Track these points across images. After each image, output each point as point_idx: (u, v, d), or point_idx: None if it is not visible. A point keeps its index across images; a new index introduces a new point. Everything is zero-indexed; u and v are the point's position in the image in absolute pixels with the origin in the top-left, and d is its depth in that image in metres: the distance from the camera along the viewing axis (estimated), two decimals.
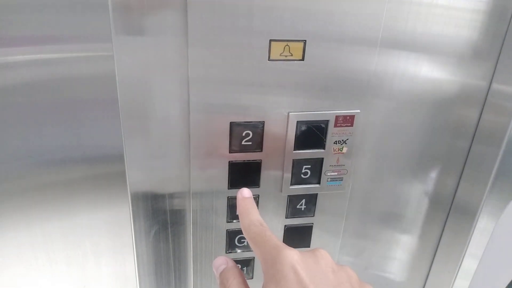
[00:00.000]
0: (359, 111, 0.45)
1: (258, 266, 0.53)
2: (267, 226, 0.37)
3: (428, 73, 0.45)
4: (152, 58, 0.39)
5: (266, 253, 0.34)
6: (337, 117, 0.44)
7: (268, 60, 0.40)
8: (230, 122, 0.43)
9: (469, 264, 0.56)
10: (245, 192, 0.41)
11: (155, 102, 0.41)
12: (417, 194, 0.54)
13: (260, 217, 0.39)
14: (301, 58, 0.41)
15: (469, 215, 0.53)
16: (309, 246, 0.53)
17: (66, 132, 0.41)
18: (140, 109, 0.41)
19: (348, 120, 0.45)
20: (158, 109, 0.41)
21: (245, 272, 0.53)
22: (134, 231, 0.47)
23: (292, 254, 0.32)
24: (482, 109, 0.49)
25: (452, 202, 0.55)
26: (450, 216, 0.56)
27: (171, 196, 0.46)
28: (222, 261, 0.39)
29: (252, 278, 0.53)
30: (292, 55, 0.40)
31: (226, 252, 0.51)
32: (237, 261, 0.51)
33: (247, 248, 0.51)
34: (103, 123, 0.41)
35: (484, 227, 0.53)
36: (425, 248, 0.58)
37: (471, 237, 0.53)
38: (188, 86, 0.40)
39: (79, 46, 0.37)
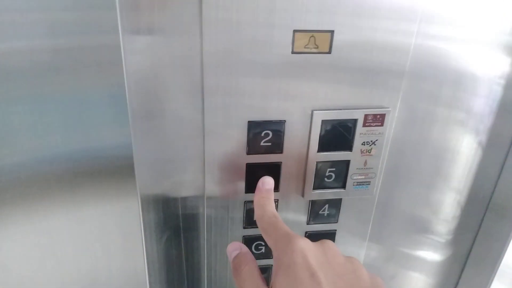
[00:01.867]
0: (390, 109, 0.40)
1: None
2: (281, 219, 0.37)
3: (470, 70, 0.41)
4: (163, 55, 0.36)
5: (277, 240, 0.35)
6: (366, 115, 0.40)
7: (292, 53, 0.36)
8: (248, 121, 0.39)
9: (505, 273, 0.52)
10: (268, 182, 0.41)
11: (166, 101, 0.38)
12: (449, 196, 0.49)
13: (275, 209, 0.39)
14: (327, 50, 0.37)
15: (506, 220, 0.49)
16: None
17: (73, 130, 0.38)
18: (150, 109, 0.38)
19: (378, 119, 0.40)
20: (169, 108, 0.38)
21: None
22: (144, 237, 0.44)
23: (302, 242, 0.33)
24: None
25: (488, 205, 0.51)
26: (484, 221, 0.52)
27: (184, 200, 0.43)
28: (236, 247, 0.39)
29: (268, 286, 0.50)
30: (317, 48, 0.36)
31: None
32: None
33: (265, 255, 0.48)
34: (111, 122, 0.38)
35: None
36: (456, 256, 0.54)
37: (509, 244, 0.49)
38: (202, 83, 0.37)
39: (86, 43, 0.34)
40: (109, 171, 0.40)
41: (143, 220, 0.43)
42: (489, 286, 0.52)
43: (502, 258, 0.50)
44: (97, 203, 0.42)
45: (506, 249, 0.50)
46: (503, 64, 0.42)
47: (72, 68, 0.35)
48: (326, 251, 0.34)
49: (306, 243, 0.33)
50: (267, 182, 0.41)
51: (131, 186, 0.41)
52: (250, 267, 0.37)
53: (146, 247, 0.44)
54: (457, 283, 0.56)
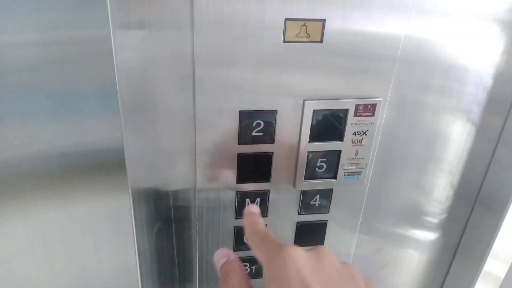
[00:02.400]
0: (381, 99, 0.40)
1: None
2: (272, 235, 0.36)
3: (462, 59, 0.41)
4: (153, 48, 0.35)
5: (268, 252, 0.33)
6: (357, 105, 0.40)
7: (283, 41, 0.36)
8: (240, 111, 0.39)
9: (493, 265, 0.52)
10: (253, 208, 0.40)
11: (157, 94, 0.37)
12: (439, 187, 0.50)
13: (266, 229, 0.37)
14: (319, 40, 0.37)
15: (495, 211, 0.49)
16: (322, 244, 0.49)
17: (64, 125, 0.38)
18: (141, 103, 0.37)
19: (369, 109, 0.40)
20: (160, 101, 0.38)
21: (253, 271, 0.50)
22: (136, 229, 0.43)
23: (295, 252, 0.31)
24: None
25: (478, 196, 0.51)
26: (474, 212, 0.52)
27: (175, 191, 0.43)
28: (224, 254, 0.37)
29: (261, 277, 0.50)
30: (309, 36, 0.36)
31: (234, 251, 0.47)
32: (246, 260, 0.49)
33: None
34: (102, 116, 0.38)
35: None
36: (445, 246, 0.55)
37: (497, 235, 0.50)
38: (193, 73, 0.36)
39: (77, 38, 0.34)
40: (100, 165, 0.40)
41: (134, 213, 0.43)
42: (478, 275, 0.53)
43: (491, 249, 0.51)
44: (88, 196, 0.42)
45: (494, 240, 0.50)
46: (493, 54, 0.42)
47: (63, 63, 0.35)
48: (321, 259, 0.32)
49: (298, 253, 0.31)
50: (253, 207, 0.40)
51: (122, 180, 0.41)
52: (238, 276, 0.35)
53: (137, 239, 0.44)
54: (447, 273, 0.57)
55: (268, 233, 0.36)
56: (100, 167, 0.40)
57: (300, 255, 0.31)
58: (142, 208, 0.43)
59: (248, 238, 0.37)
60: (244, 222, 0.39)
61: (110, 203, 0.43)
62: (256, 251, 0.35)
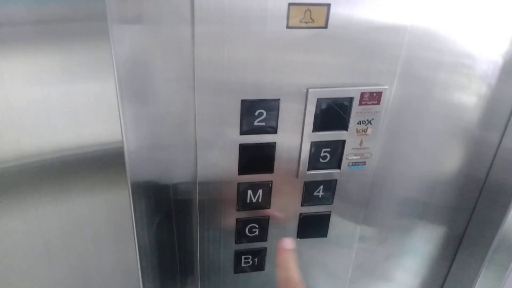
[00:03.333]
0: (387, 87, 0.39)
1: (269, 257, 0.49)
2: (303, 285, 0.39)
3: (471, 45, 0.40)
4: (153, 37, 0.34)
5: None
6: (362, 93, 0.39)
7: (286, 27, 0.35)
8: (241, 100, 0.38)
9: (498, 258, 0.51)
10: (287, 244, 0.42)
11: (156, 85, 0.36)
12: (444, 179, 0.49)
13: (298, 274, 0.40)
14: (323, 25, 0.35)
15: (500, 202, 0.49)
16: (325, 236, 0.48)
17: (61, 119, 0.37)
18: (140, 95, 0.36)
19: (375, 97, 0.39)
20: (159, 93, 0.36)
21: (256, 264, 0.49)
22: (135, 222, 0.42)
23: None
24: None
25: (483, 186, 0.50)
26: (479, 202, 0.51)
27: (176, 184, 0.42)
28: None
29: (264, 270, 0.49)
30: (313, 22, 0.35)
31: (235, 243, 0.47)
32: (247, 252, 0.48)
33: (258, 238, 0.47)
34: (100, 109, 0.37)
35: None
36: (450, 238, 0.54)
37: (503, 227, 0.49)
38: (193, 61, 0.35)
39: (74, 30, 0.33)
40: (99, 159, 0.39)
41: (134, 207, 0.42)
42: (483, 267, 0.52)
43: (495, 241, 0.50)
44: (87, 191, 0.41)
45: (499, 232, 0.49)
46: (501, 41, 0.41)
47: (60, 56, 0.34)
48: None
49: None
50: (287, 242, 0.42)
51: (121, 174, 0.40)
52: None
53: (137, 233, 0.43)
54: (451, 264, 0.56)
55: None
56: (99, 161, 0.40)
57: None
58: (141, 202, 0.42)
59: (280, 282, 0.40)
60: (277, 258, 0.42)
61: (109, 198, 0.42)
62: None
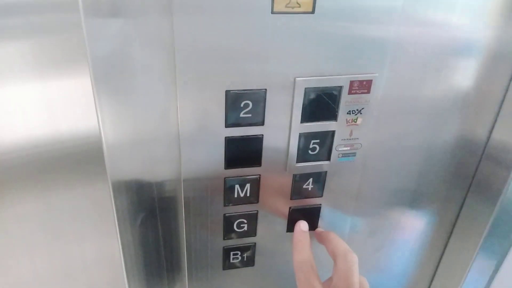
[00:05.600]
0: (377, 75, 0.38)
1: (259, 252, 0.47)
2: (316, 270, 0.41)
3: (462, 30, 0.39)
4: (129, 28, 0.32)
5: None
6: (351, 82, 0.37)
7: (271, 13, 0.33)
8: (226, 91, 0.36)
9: (491, 245, 0.51)
10: (304, 225, 0.45)
11: (136, 78, 0.34)
12: (435, 169, 0.48)
13: (312, 257, 0.42)
14: (311, 10, 0.34)
15: (492, 192, 0.48)
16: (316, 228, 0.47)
17: (37, 114, 0.36)
18: (118, 87, 0.34)
19: (365, 86, 0.38)
20: (138, 84, 0.34)
21: (245, 259, 0.48)
22: (118, 219, 0.41)
23: None
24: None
25: (474, 177, 0.49)
26: (470, 193, 0.51)
27: (160, 179, 0.40)
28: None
29: (253, 265, 0.48)
30: (300, 7, 0.33)
31: (223, 239, 0.45)
32: (236, 248, 0.46)
33: (247, 233, 0.45)
34: (76, 105, 0.35)
35: (508, 206, 0.47)
36: (441, 228, 0.53)
37: (494, 215, 0.48)
38: (174, 50, 0.33)
39: (48, 25, 0.32)
40: (78, 154, 0.38)
41: (116, 204, 0.40)
42: (474, 257, 0.52)
43: (487, 229, 0.50)
44: (67, 187, 0.40)
45: (490, 221, 0.49)
46: (490, 27, 0.40)
47: (34, 51, 0.32)
48: None
49: None
50: (304, 225, 0.45)
51: (101, 170, 0.38)
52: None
53: (120, 230, 0.42)
54: (441, 255, 0.56)
55: (312, 273, 0.40)
56: (77, 156, 0.38)
57: None
58: (123, 198, 0.40)
59: (295, 264, 0.41)
60: (294, 240, 0.44)
61: (90, 194, 0.41)
62: (298, 283, 0.41)
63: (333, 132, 0.40)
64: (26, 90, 0.34)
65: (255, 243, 0.47)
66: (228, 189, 0.42)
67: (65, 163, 0.39)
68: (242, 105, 0.37)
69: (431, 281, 0.59)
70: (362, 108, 0.39)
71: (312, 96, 0.38)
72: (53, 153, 0.38)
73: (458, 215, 0.53)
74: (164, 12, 0.32)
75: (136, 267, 0.45)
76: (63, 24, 0.32)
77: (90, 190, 0.41)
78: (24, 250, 0.43)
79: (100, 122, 0.35)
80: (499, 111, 0.45)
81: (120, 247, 0.43)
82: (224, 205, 0.43)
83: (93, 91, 0.34)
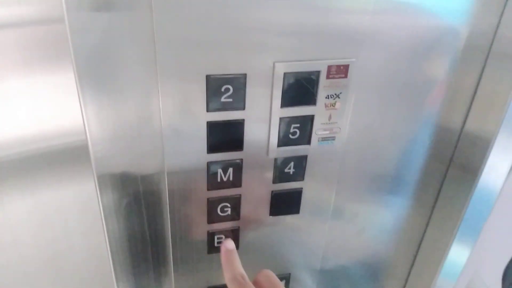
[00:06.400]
0: (354, 59, 0.39)
1: (243, 236, 0.48)
2: (249, 281, 0.41)
3: (440, 13, 0.40)
4: (109, 22, 0.33)
5: None
6: (329, 67, 0.39)
7: None
8: (206, 76, 0.37)
9: (468, 229, 0.53)
10: (229, 244, 0.46)
11: (117, 71, 0.35)
12: (414, 151, 0.49)
13: (242, 269, 0.43)
14: None
15: (469, 174, 0.49)
16: (298, 213, 0.48)
17: (22, 108, 0.36)
18: (101, 82, 0.35)
19: (342, 71, 0.39)
20: (122, 79, 0.35)
21: None
22: (104, 212, 0.41)
23: None
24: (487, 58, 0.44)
25: (451, 160, 0.51)
26: (447, 177, 0.52)
27: (143, 167, 0.41)
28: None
29: (238, 248, 0.49)
30: None
31: (208, 223, 0.46)
32: (221, 232, 0.47)
33: (230, 217, 0.46)
34: (60, 99, 0.36)
35: (486, 189, 0.49)
36: (420, 211, 0.55)
37: (471, 199, 0.50)
38: (154, 36, 0.34)
39: (30, 20, 0.32)
40: (63, 151, 0.38)
41: (101, 197, 0.41)
42: (454, 237, 0.53)
43: (464, 215, 0.51)
44: (54, 183, 0.40)
45: (468, 205, 0.50)
46: (465, 14, 0.41)
47: (17, 47, 0.33)
48: None
49: None
50: (229, 243, 0.46)
51: (86, 163, 0.39)
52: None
53: (106, 222, 0.42)
54: (423, 236, 0.58)
55: (244, 280, 0.41)
56: (63, 153, 0.39)
57: None
58: (109, 192, 0.40)
59: (227, 281, 0.42)
60: (222, 259, 0.44)
61: (76, 190, 0.41)
62: None
63: (312, 116, 0.41)
64: (10, 88, 0.35)
65: (238, 227, 0.48)
66: (211, 174, 0.43)
67: (51, 159, 0.39)
68: (223, 89, 0.38)
69: (412, 264, 0.61)
70: (340, 93, 0.40)
71: (291, 80, 0.39)
72: (38, 149, 0.38)
73: (436, 198, 0.54)
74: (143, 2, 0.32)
75: (123, 257, 0.46)
76: (46, 19, 0.32)
77: (76, 186, 0.41)
78: (11, 246, 0.43)
79: (85, 117, 0.36)
80: (474, 95, 0.46)
81: (107, 240, 0.43)
82: (208, 190, 0.44)
83: (77, 86, 0.34)
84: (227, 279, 0.42)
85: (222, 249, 0.45)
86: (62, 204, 0.42)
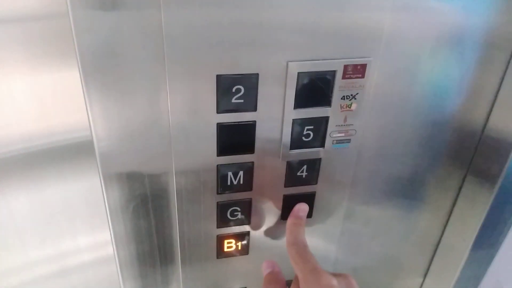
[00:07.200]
0: (371, 59, 0.37)
1: (253, 241, 0.47)
2: (309, 251, 0.40)
3: (455, 14, 0.38)
4: (117, 19, 0.31)
5: (305, 274, 0.37)
6: (345, 66, 0.37)
7: None
8: (217, 75, 0.35)
9: (488, 237, 0.51)
10: (303, 210, 0.44)
11: (125, 69, 0.33)
12: (431, 156, 0.47)
13: (305, 237, 0.41)
14: None
15: (488, 180, 0.47)
16: (310, 217, 0.47)
17: (28, 105, 0.35)
18: (107, 80, 0.33)
19: (359, 70, 0.37)
20: (127, 77, 0.34)
21: (239, 248, 0.47)
22: (110, 211, 0.40)
23: (330, 279, 0.36)
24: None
25: (470, 164, 0.49)
26: (466, 181, 0.50)
27: (151, 168, 0.39)
28: (269, 265, 0.45)
29: (247, 254, 0.48)
30: None
31: (217, 227, 0.45)
32: (231, 236, 0.46)
33: (241, 221, 0.45)
34: (66, 97, 0.35)
35: (508, 194, 0.47)
36: (437, 216, 0.53)
37: (491, 205, 0.48)
38: (163, 34, 0.32)
39: (36, 17, 0.32)
40: (69, 148, 0.38)
41: (107, 196, 0.40)
42: (470, 246, 0.51)
43: (483, 221, 0.49)
44: (59, 180, 0.40)
45: (488, 211, 0.48)
46: (486, 12, 0.39)
47: (23, 45, 0.32)
48: (351, 286, 0.37)
49: (334, 281, 0.36)
50: (302, 209, 0.44)
51: (92, 162, 0.38)
52: (279, 286, 0.42)
53: (112, 221, 0.41)
54: (438, 243, 0.56)
55: (305, 249, 0.40)
56: (69, 150, 0.38)
57: (335, 283, 0.35)
58: (115, 191, 0.39)
59: (287, 246, 0.40)
60: (288, 222, 0.43)
61: (82, 187, 0.41)
62: (292, 263, 0.39)
63: (327, 118, 0.39)
64: (16, 85, 0.34)
65: (249, 231, 0.46)
66: (221, 177, 0.41)
67: (57, 156, 0.38)
68: (233, 90, 0.36)
69: (427, 270, 0.59)
70: (357, 93, 0.39)
71: (305, 81, 0.37)
72: (44, 147, 0.38)
73: (454, 203, 0.52)
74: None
75: (130, 258, 0.45)
76: (53, 13, 0.32)
77: (81, 183, 0.41)
78: (17, 242, 0.42)
79: (90, 115, 0.35)
80: (496, 97, 0.44)
81: (113, 239, 0.42)
82: (217, 193, 0.42)
83: (82, 84, 0.33)
84: (288, 243, 0.41)
85: (295, 209, 0.44)
86: (68, 202, 0.41)
